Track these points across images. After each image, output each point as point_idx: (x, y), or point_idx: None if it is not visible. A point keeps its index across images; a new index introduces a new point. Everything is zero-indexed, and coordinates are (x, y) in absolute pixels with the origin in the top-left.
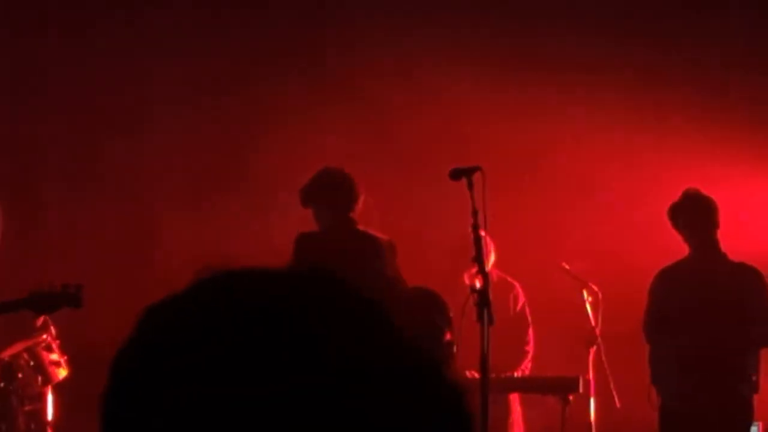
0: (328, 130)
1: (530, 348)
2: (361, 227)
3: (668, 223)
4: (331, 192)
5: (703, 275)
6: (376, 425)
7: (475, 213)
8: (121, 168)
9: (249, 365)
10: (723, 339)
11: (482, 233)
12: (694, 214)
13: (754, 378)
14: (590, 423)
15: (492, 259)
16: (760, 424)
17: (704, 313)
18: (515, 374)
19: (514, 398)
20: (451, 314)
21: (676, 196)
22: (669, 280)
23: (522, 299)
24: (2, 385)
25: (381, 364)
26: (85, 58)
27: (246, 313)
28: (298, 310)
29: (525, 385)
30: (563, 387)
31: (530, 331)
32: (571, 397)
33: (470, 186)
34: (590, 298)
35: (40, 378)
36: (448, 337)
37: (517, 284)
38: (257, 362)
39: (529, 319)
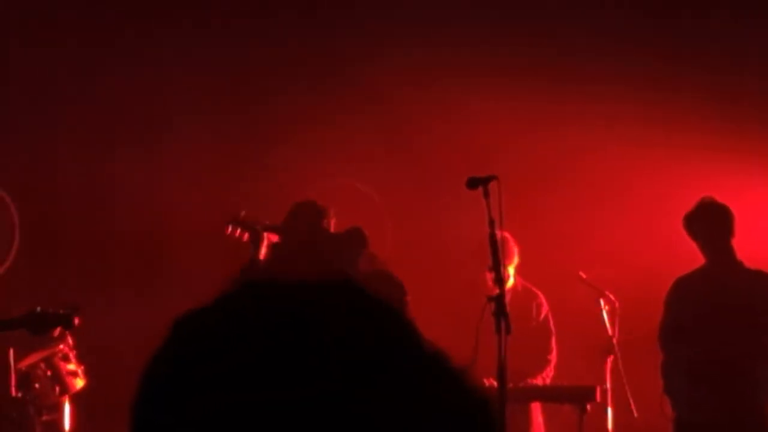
0: (347, 139)
1: (552, 357)
2: (327, 229)
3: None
4: (299, 231)
5: (719, 283)
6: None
7: (491, 222)
8: (136, 179)
9: (268, 374)
10: (738, 347)
11: (507, 235)
12: (709, 223)
13: None
14: None
15: (515, 260)
16: None
17: (719, 321)
18: (536, 381)
19: (536, 407)
20: (408, 298)
21: (694, 204)
22: (684, 289)
23: (545, 309)
24: (20, 395)
25: (399, 371)
26: (101, 71)
27: (265, 324)
28: (315, 319)
29: (542, 395)
30: (581, 396)
31: (553, 341)
32: (588, 407)
33: (486, 195)
34: (607, 307)
35: (57, 388)
36: None
37: (540, 294)
38: (276, 371)
39: (553, 328)
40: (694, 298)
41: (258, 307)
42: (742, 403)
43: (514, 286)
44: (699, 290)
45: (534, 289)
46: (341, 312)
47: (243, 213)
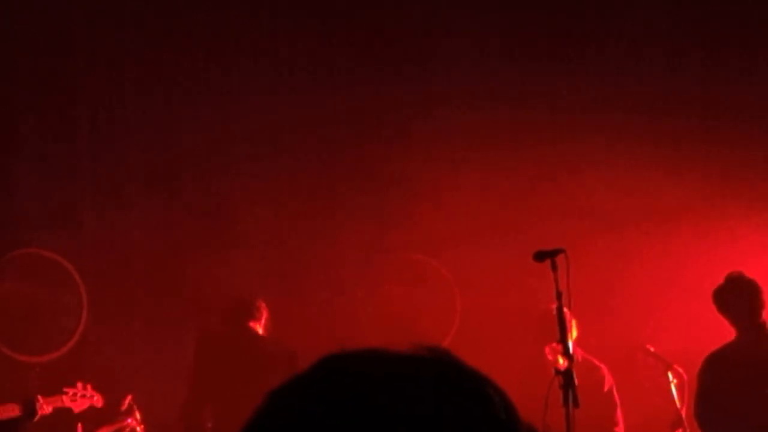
0: (413, 209)
1: (620, 429)
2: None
3: None
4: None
5: (751, 358)
6: None
7: (559, 295)
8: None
9: None
10: None
11: (564, 308)
12: (738, 297)
13: None
14: None
15: (575, 333)
16: None
17: (755, 398)
18: None
19: None
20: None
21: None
22: (717, 365)
23: (609, 381)
24: None
25: None
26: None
27: (357, 400)
28: (407, 395)
29: None
30: None
31: (619, 413)
32: None
33: (554, 268)
34: (675, 380)
35: None
36: None
37: (603, 366)
38: None
39: (617, 401)
40: (729, 375)
41: (350, 382)
42: None
43: (575, 357)
44: (733, 367)
45: (596, 361)
46: (433, 387)
47: None
